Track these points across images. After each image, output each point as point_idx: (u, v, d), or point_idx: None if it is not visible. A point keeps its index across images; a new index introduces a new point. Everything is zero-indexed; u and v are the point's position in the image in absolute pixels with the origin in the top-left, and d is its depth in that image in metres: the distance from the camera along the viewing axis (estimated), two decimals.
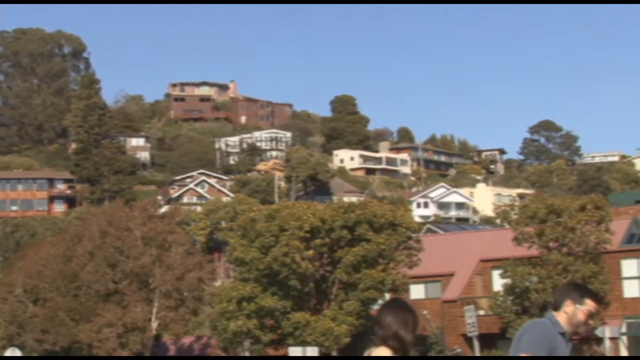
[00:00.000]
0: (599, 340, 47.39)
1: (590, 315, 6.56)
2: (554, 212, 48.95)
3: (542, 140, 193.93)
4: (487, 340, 51.28)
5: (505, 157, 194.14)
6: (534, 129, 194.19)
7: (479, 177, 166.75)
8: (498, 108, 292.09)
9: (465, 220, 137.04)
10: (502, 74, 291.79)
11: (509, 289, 49.80)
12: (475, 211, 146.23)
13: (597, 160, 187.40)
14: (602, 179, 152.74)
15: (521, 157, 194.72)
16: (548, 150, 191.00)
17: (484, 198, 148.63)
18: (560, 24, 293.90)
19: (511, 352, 6.63)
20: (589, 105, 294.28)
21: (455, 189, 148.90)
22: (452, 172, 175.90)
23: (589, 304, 6.55)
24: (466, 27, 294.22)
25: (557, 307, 6.61)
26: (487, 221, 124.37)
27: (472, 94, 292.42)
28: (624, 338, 50.61)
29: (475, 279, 56.67)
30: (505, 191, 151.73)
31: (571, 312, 6.53)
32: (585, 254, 48.39)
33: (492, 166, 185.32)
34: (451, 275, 56.97)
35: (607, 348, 43.44)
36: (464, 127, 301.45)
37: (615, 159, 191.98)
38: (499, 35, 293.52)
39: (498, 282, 52.53)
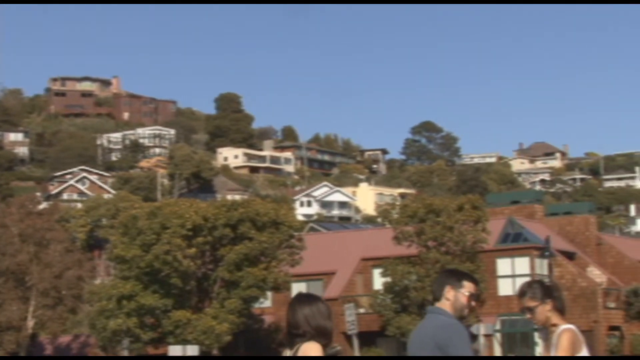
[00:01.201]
0: (474, 337, 48.59)
1: (471, 297, 6.49)
2: (433, 212, 49.97)
3: (423, 140, 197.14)
4: (366, 338, 51.92)
5: (387, 157, 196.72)
6: (415, 130, 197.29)
7: (361, 177, 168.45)
8: (381, 109, 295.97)
9: (348, 219, 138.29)
10: (385, 75, 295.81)
11: (388, 288, 50.61)
12: (357, 210, 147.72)
13: (475, 161, 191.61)
14: (480, 179, 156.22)
15: (403, 157, 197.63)
16: (429, 151, 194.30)
17: (366, 197, 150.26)
18: (439, 26, 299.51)
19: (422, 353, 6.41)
20: (469, 108, 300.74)
21: (338, 188, 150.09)
22: (335, 171, 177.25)
23: (468, 286, 6.48)
24: (349, 27, 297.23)
25: (437, 298, 6.52)
26: (369, 220, 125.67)
27: (355, 94, 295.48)
28: (498, 335, 52.02)
29: (356, 277, 57.36)
30: (387, 191, 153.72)
31: (453, 298, 6.45)
32: (462, 253, 49.57)
33: (375, 166, 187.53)
34: (333, 273, 57.51)
35: (481, 345, 44.58)
36: (347, 127, 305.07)
37: (493, 160, 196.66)
38: (381, 36, 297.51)
39: (379, 281, 53.30)
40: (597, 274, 56.67)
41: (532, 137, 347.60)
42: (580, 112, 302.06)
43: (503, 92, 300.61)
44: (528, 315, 7.23)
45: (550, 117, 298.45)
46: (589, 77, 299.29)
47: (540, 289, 7.22)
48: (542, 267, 51.30)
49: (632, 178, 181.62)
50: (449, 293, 6.46)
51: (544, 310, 7.16)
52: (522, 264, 53.60)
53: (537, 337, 51.69)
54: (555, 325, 7.17)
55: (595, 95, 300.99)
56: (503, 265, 53.73)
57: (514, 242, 54.59)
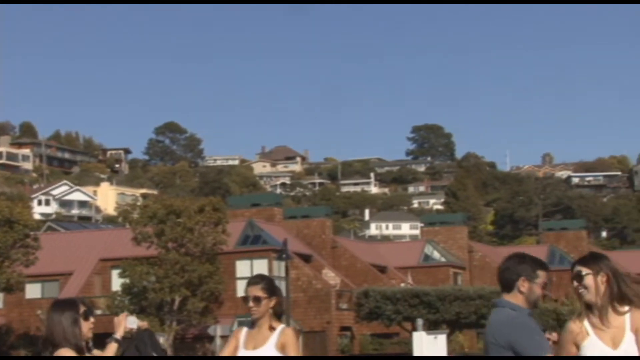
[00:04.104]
0: (211, 339, 49.07)
1: (545, 287, 6.09)
2: (173, 213, 49.98)
3: (167, 141, 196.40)
4: (102, 339, 51.09)
5: (130, 156, 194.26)
6: (159, 130, 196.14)
7: (103, 176, 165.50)
8: (124, 107, 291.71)
9: (88, 219, 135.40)
10: (130, 73, 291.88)
11: (126, 289, 50.15)
12: (98, 210, 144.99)
13: (218, 163, 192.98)
14: (222, 181, 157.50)
15: (146, 157, 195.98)
16: (172, 152, 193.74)
17: (108, 197, 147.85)
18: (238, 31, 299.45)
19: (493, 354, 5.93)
20: (213, 110, 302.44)
21: (78, 187, 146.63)
22: (76, 169, 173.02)
23: (542, 275, 6.05)
24: (91, 23, 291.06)
25: (509, 289, 6.04)
26: (109, 220, 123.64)
27: (97, 91, 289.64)
28: None
29: (94, 278, 56.39)
30: (129, 191, 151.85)
31: (527, 290, 6.01)
32: (202, 254, 49.88)
33: (117, 165, 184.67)
34: (70, 274, 56.26)
35: (217, 346, 45.06)
36: (89, 124, 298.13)
37: (236, 162, 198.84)
38: (125, 33, 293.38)
39: (117, 282, 52.67)
40: (331, 276, 58.68)
41: (274, 141, 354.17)
42: (320, 118, 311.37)
43: (246, 95, 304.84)
44: (251, 304, 7.22)
45: (292, 122, 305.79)
46: (321, 83, 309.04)
47: (273, 285, 7.33)
48: (279, 269, 52.49)
49: (368, 183, 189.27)
50: (523, 285, 6.01)
51: (268, 305, 7.23)
52: (260, 266, 54.56)
53: None
54: (272, 326, 7.21)
55: (331, 102, 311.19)
56: (242, 267, 54.50)
57: (253, 244, 55.52)
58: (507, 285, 6.06)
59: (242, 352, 7.23)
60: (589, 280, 6.02)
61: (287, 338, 7.16)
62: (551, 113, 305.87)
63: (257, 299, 7.19)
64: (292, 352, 7.15)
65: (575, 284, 6.07)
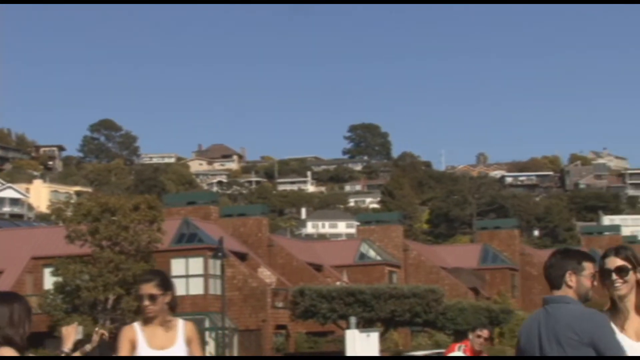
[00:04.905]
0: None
1: (594, 278, 5.88)
2: (108, 211, 49.50)
3: (102, 138, 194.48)
4: (35, 339, 50.47)
5: (64, 154, 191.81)
6: (94, 127, 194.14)
7: (36, 173, 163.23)
8: (58, 104, 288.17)
9: (20, 216, 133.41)
10: (64, 71, 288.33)
11: (59, 287, 49.56)
12: (30, 208, 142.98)
13: (154, 161, 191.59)
14: (158, 179, 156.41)
15: (81, 154, 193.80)
16: (108, 149, 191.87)
17: (40, 194, 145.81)
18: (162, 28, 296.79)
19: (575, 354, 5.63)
20: (149, 107, 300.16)
21: (10, 184, 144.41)
22: (7, 166, 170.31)
23: (589, 267, 5.84)
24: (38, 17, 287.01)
25: (558, 285, 5.82)
26: (42, 218, 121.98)
27: (45, 89, 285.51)
28: None
29: (25, 276, 55.62)
30: (62, 188, 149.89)
31: (576, 284, 5.79)
32: (137, 253, 49.47)
33: (51, 162, 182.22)
34: (0, 272, 55.43)
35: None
36: (23, 121, 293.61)
37: (172, 160, 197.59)
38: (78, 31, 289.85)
39: (49, 280, 52.02)
40: (267, 275, 58.64)
41: (210, 139, 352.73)
42: (257, 116, 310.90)
43: (182, 92, 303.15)
44: (146, 302, 7.08)
45: (229, 120, 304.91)
46: (259, 82, 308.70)
47: (166, 279, 7.20)
48: (215, 267, 52.35)
49: (304, 182, 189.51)
50: (571, 279, 5.80)
51: (164, 302, 7.11)
52: (196, 265, 54.37)
53: (207, 336, 52.67)
54: (170, 322, 7.11)
55: (268, 101, 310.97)
56: (177, 266, 54.20)
57: (189, 242, 55.25)
58: (555, 282, 5.85)
59: (149, 352, 7.06)
60: (632, 275, 5.97)
61: (190, 333, 7.12)
62: (486, 113, 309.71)
63: (152, 297, 7.05)
64: (197, 346, 7.13)
65: (615, 276, 5.96)
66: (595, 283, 5.92)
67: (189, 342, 7.07)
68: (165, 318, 7.11)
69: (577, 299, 5.79)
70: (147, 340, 7.09)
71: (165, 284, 7.15)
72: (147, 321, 7.15)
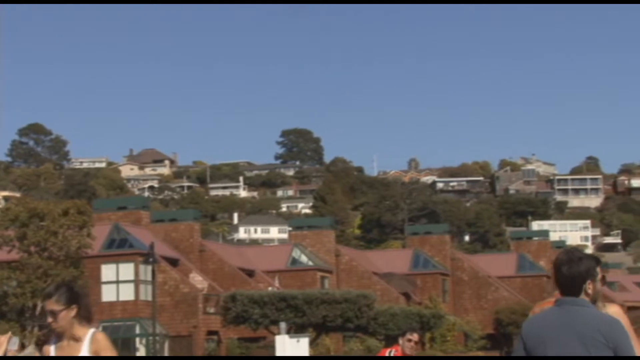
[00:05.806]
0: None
1: (604, 280, 6.15)
2: (36, 216, 48.79)
3: (31, 143, 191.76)
4: None
5: None
6: (23, 132, 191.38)
7: None
8: None
9: None
10: (3, 74, 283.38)
11: None
12: None
13: (85, 165, 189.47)
14: (89, 184, 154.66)
15: (9, 159, 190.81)
16: (37, 154, 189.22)
17: None
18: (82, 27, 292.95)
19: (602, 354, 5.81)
20: (80, 111, 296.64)
21: None
22: None
23: (599, 271, 6.07)
24: None
25: (577, 292, 5.97)
26: None
27: None
28: None
29: None
30: None
31: (593, 289, 5.99)
32: (66, 258, 48.83)
33: None
34: None
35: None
36: None
37: (103, 165, 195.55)
38: None
39: None
40: (199, 280, 58.29)
41: (142, 143, 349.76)
42: (189, 121, 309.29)
43: (114, 96, 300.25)
44: (50, 319, 6.75)
45: (161, 124, 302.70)
46: (190, 86, 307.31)
47: (68, 293, 6.79)
48: (146, 273, 51.86)
49: (237, 187, 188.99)
50: (589, 287, 5.97)
51: (69, 316, 6.75)
52: (126, 270, 53.84)
53: (138, 342, 52.20)
54: (78, 336, 6.75)
55: (200, 105, 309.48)
56: (108, 271, 53.65)
57: (119, 248, 54.69)
58: (574, 290, 5.96)
59: None
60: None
61: (99, 344, 6.73)
62: (417, 119, 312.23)
63: (53, 313, 6.72)
64: (109, 354, 6.75)
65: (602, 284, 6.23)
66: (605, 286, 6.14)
67: (96, 354, 6.69)
68: (73, 332, 6.77)
69: (590, 301, 5.95)
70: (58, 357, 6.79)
71: (69, 297, 6.77)
72: (59, 337, 6.84)
